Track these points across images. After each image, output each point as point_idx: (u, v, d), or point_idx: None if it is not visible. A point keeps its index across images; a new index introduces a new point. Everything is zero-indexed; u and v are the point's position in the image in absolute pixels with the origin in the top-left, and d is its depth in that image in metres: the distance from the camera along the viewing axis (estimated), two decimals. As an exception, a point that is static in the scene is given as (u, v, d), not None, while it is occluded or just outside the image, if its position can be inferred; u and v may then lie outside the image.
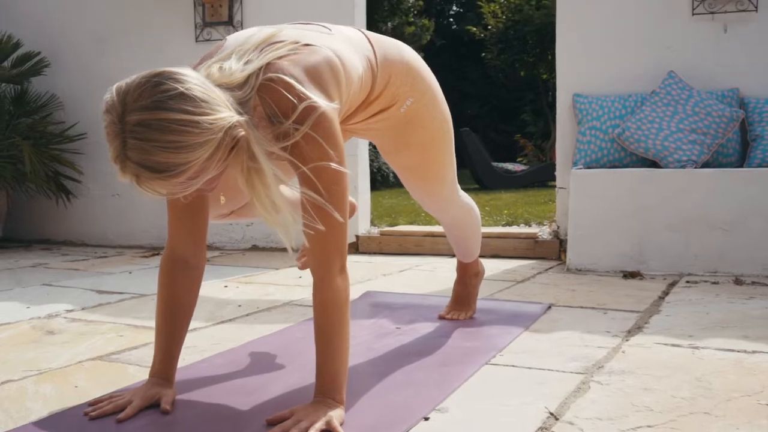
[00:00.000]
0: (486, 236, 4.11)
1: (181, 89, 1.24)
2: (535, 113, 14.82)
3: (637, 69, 3.80)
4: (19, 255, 4.33)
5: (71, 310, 2.65)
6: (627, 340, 2.10)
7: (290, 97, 1.36)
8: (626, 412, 1.49)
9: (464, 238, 2.31)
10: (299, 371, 1.80)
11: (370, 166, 11.27)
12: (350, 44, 1.62)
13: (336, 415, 1.43)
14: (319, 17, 4.27)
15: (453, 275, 3.35)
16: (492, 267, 3.62)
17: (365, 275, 3.44)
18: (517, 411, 1.52)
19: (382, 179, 12.02)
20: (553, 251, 3.93)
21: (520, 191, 9.38)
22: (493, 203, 7.42)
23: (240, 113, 1.32)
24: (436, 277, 3.38)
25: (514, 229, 4.39)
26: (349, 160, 4.34)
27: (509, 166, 10.99)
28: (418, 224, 5.12)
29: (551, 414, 1.49)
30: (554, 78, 4.00)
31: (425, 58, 1.95)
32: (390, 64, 1.73)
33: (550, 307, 2.59)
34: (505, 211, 6.10)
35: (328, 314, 1.45)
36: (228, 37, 1.55)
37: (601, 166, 3.67)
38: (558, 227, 4.00)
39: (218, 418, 1.50)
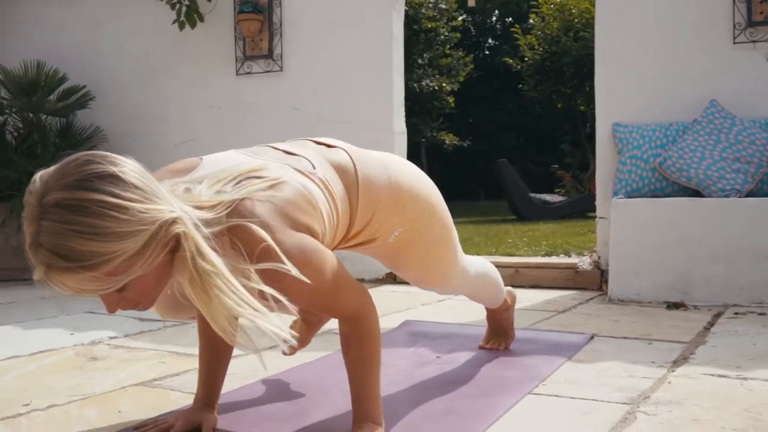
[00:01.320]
0: (525, 266, 4.08)
1: (114, 170, 1.10)
2: (573, 144, 14.76)
3: (677, 98, 3.77)
4: (63, 284, 4.40)
5: (114, 337, 2.68)
6: (673, 371, 2.06)
7: (269, 252, 1.21)
8: (675, 443, 1.46)
9: (486, 299, 2.22)
10: (338, 399, 1.79)
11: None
12: (331, 185, 1.44)
13: (381, 438, 1.43)
14: (359, 50, 4.35)
15: (492, 305, 3.33)
16: (531, 297, 3.58)
17: (404, 305, 3.43)
18: (562, 441, 1.49)
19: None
20: (594, 282, 3.88)
21: (559, 222, 9.31)
22: (531, 234, 7.38)
23: (186, 213, 1.16)
24: (475, 305, 3.35)
25: (553, 260, 4.35)
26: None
27: (547, 197, 10.93)
28: (456, 255, 5.09)
29: (597, 444, 1.46)
30: (592, 109, 4.00)
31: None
32: (375, 194, 1.54)
33: (592, 338, 2.55)
34: (544, 242, 6.05)
35: (360, 347, 1.45)
36: (204, 158, 1.40)
37: (642, 196, 3.62)
38: (599, 257, 3.95)
39: (260, 445, 1.50)
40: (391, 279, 4.29)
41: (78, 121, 4.91)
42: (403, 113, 4.46)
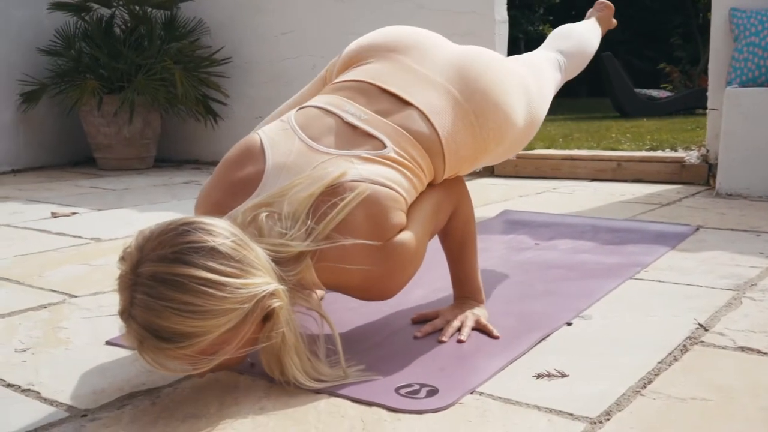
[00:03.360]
0: (628, 160, 3.98)
1: (213, 243, 1.04)
2: (683, 37, 13.96)
3: (804, -21, 3.49)
4: (172, 173, 4.59)
5: (222, 221, 2.80)
6: (783, 261, 2.00)
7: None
8: (782, 327, 1.43)
9: (584, 63, 2.05)
10: (438, 280, 1.83)
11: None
12: (407, 157, 1.31)
13: (482, 313, 1.47)
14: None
15: (593, 198, 3.29)
16: (634, 190, 3.51)
17: (501, 196, 3.42)
18: (664, 321, 1.49)
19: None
20: (700, 176, 3.74)
21: (665, 119, 8.95)
22: (635, 130, 7.14)
23: (282, 279, 1.12)
24: (575, 199, 3.32)
25: (658, 154, 4.22)
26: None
27: (653, 92, 10.47)
28: (556, 149, 5.01)
29: (700, 325, 1.46)
30: (706, -3, 3.73)
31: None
32: (461, 156, 1.40)
33: (697, 229, 2.49)
34: (648, 137, 5.85)
35: (458, 231, 1.47)
36: (265, 146, 1.30)
37: (759, 85, 3.43)
38: (708, 151, 3.80)
39: (366, 315, 1.56)
40: (489, 172, 4.27)
41: (181, 14, 4.98)
42: (505, 0, 4.31)
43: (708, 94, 3.76)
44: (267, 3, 4.86)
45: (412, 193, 1.32)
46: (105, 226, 2.75)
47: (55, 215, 2.95)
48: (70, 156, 5.14)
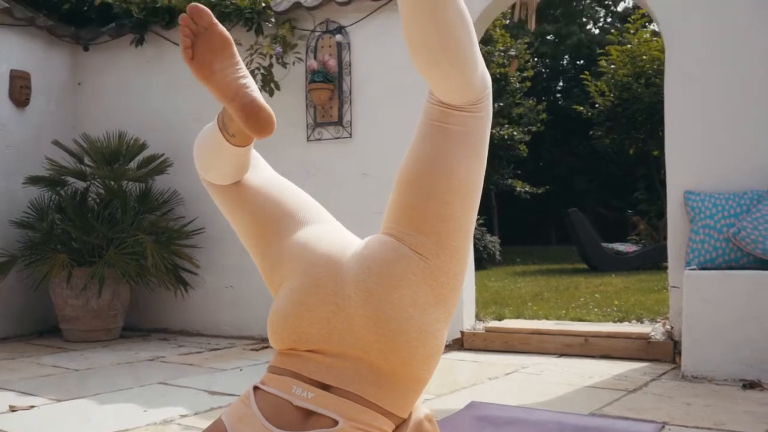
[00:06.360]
0: (595, 335, 4.01)
1: None
2: (647, 189, 14.45)
3: (752, 166, 3.68)
4: (139, 346, 4.53)
5: (185, 416, 2.74)
6: (747, 475, 1.99)
7: None
8: None
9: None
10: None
11: (476, 244, 11.21)
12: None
13: None
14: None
15: (561, 380, 3.28)
16: (601, 371, 3.51)
17: (470, 378, 3.41)
18: None
19: (488, 257, 11.93)
20: (666, 353, 3.78)
21: (632, 275, 9.10)
22: (603, 289, 7.24)
23: None
24: (543, 381, 3.31)
25: (625, 328, 4.26)
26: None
27: (620, 246, 10.68)
28: (525, 317, 5.05)
29: None
30: (665, 154, 3.91)
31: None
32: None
33: (663, 428, 2.48)
34: (616, 302, 5.93)
35: None
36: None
37: (716, 267, 3.53)
38: (672, 327, 3.86)
39: None
40: (458, 345, 4.27)
41: (156, 186, 5.10)
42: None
43: (669, 272, 3.86)
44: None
45: None
46: (62, 424, 2.67)
47: (13, 408, 2.88)
48: (35, 326, 5.08)
